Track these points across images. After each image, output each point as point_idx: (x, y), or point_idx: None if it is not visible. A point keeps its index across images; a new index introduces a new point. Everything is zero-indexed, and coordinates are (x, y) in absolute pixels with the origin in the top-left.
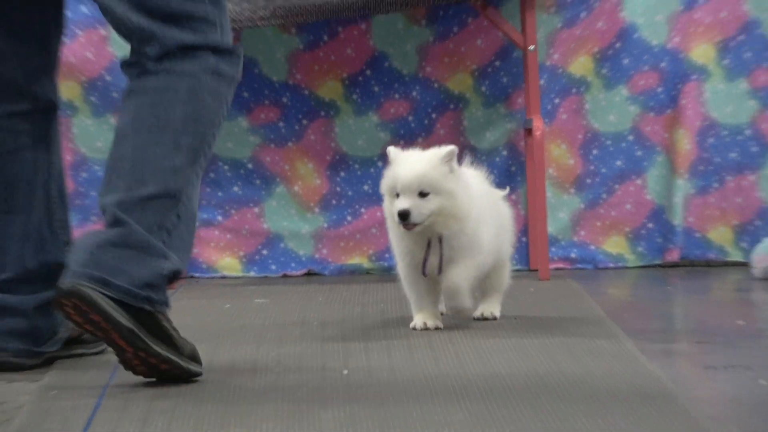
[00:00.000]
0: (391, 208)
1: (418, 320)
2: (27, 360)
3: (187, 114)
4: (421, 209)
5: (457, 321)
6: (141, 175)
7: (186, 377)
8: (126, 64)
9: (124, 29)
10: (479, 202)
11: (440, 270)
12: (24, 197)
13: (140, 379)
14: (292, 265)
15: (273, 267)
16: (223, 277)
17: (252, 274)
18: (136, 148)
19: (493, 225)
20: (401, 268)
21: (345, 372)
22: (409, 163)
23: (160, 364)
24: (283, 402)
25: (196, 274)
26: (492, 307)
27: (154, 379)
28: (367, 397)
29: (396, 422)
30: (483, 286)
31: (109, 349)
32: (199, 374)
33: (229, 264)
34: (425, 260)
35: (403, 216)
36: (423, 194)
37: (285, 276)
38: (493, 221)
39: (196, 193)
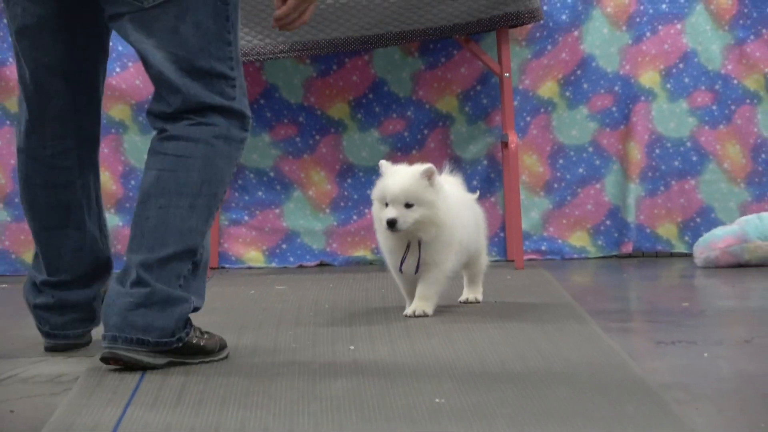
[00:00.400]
0: (380, 214)
1: (408, 309)
2: (84, 339)
3: (203, 179)
4: (406, 218)
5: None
6: (162, 237)
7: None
8: (151, 114)
9: (155, 77)
10: (456, 209)
11: (417, 269)
12: (77, 215)
13: None
14: (307, 257)
15: (291, 259)
16: (249, 268)
17: (273, 265)
18: (159, 209)
19: (468, 225)
20: (388, 264)
21: (351, 348)
22: (397, 177)
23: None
24: (299, 375)
25: (226, 266)
26: (475, 292)
27: None
28: (371, 370)
29: (396, 391)
30: (466, 274)
31: None
32: (227, 356)
33: (253, 256)
34: (403, 260)
35: (391, 224)
36: (408, 205)
37: (301, 266)
38: (469, 221)
39: (209, 239)
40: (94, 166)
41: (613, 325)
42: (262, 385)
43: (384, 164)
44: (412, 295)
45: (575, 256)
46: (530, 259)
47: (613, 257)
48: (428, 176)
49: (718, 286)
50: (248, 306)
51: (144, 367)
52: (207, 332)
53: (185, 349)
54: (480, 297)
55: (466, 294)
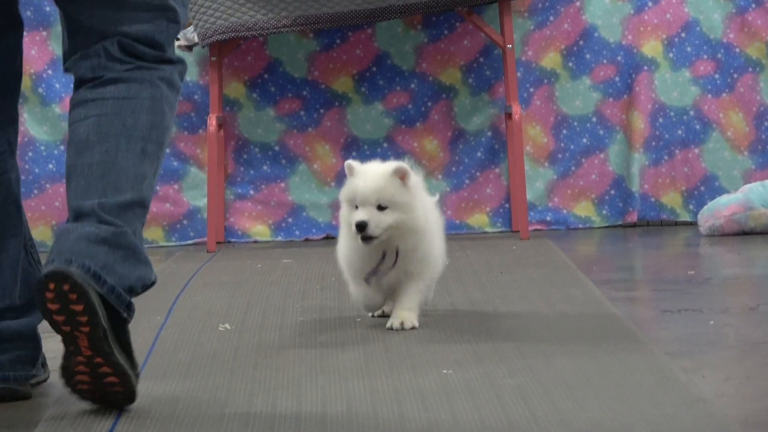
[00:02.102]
0: (349, 217)
1: (394, 320)
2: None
3: (152, 122)
4: (379, 222)
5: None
6: (116, 182)
7: (128, 396)
8: (81, 65)
9: (86, 26)
10: (432, 216)
11: (383, 283)
12: (16, 218)
13: (185, 332)
14: (313, 230)
15: (297, 232)
16: (255, 242)
17: (279, 238)
18: (105, 153)
19: (441, 234)
20: (348, 274)
21: (358, 320)
22: (367, 177)
23: (111, 375)
24: (307, 347)
25: (232, 240)
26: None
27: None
28: (377, 340)
29: (403, 362)
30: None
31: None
32: (135, 395)
33: (260, 230)
34: (374, 271)
35: (361, 227)
36: (381, 207)
37: (307, 240)
38: (440, 230)
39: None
40: (14, 160)
41: (619, 294)
42: (269, 358)
43: (351, 164)
44: (375, 309)
45: (580, 226)
46: (535, 230)
47: (618, 227)
48: (400, 176)
49: (723, 254)
50: (255, 280)
51: (87, 310)
52: None
53: (120, 331)
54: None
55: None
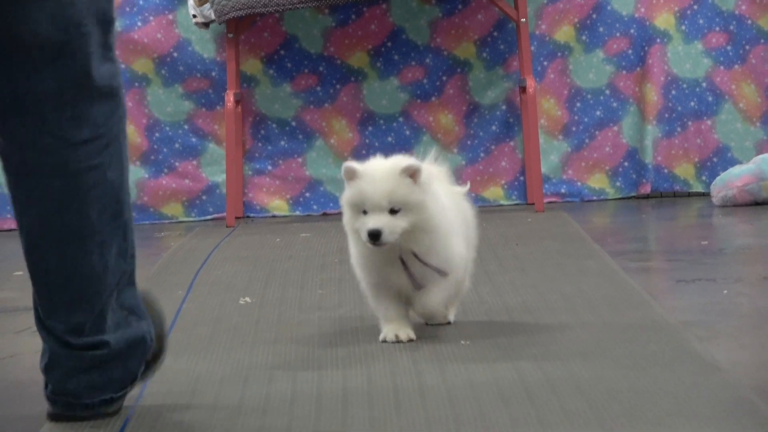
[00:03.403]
0: (355, 224)
1: (388, 332)
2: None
3: (98, 211)
4: (393, 228)
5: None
6: (82, 293)
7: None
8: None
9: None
10: (449, 213)
11: (418, 286)
12: None
13: (206, 306)
14: (331, 204)
15: (314, 207)
16: (274, 216)
17: (297, 213)
18: (60, 261)
19: (462, 229)
20: (367, 285)
21: None
22: (375, 179)
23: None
24: (326, 321)
25: (251, 215)
26: (448, 312)
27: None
28: None
29: (421, 334)
30: None
31: None
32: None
33: (278, 205)
34: (411, 277)
35: (375, 236)
36: (393, 211)
37: (324, 214)
38: (461, 225)
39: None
40: None
41: (633, 264)
42: (290, 331)
43: (351, 167)
44: (398, 318)
45: (594, 197)
46: (550, 202)
47: (632, 198)
48: (410, 174)
49: (736, 224)
50: (274, 254)
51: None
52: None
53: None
54: (452, 317)
55: None
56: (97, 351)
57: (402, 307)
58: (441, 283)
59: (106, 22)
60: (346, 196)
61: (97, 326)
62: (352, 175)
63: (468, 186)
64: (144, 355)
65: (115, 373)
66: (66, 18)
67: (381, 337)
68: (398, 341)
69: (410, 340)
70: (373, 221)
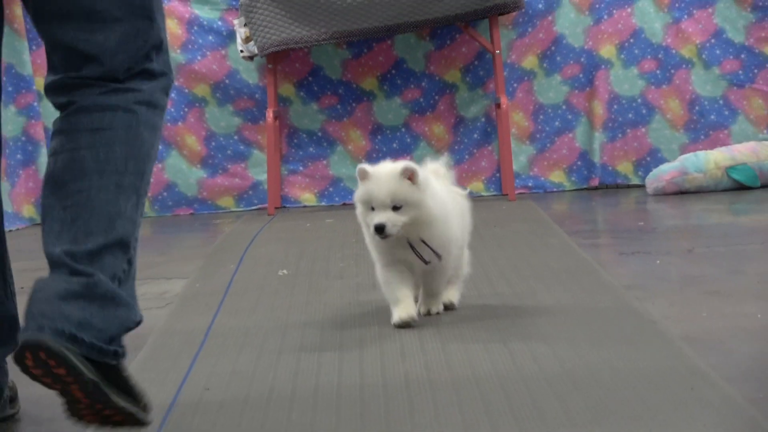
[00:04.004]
0: (366, 219)
1: (397, 314)
2: None
3: (127, 153)
4: (395, 222)
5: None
6: (87, 226)
7: (139, 425)
8: (52, 88)
9: (58, 43)
10: (446, 205)
11: (425, 260)
12: None
13: (252, 277)
14: (349, 197)
15: (336, 199)
16: (304, 207)
17: (323, 204)
18: (80, 194)
19: (458, 221)
20: (380, 269)
21: None
22: (380, 180)
23: (115, 415)
24: (347, 288)
25: (287, 205)
26: (452, 295)
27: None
28: None
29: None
30: None
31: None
32: (148, 423)
33: (307, 198)
34: (419, 255)
35: (380, 229)
36: (396, 207)
37: (344, 204)
38: (458, 217)
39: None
40: None
41: (585, 241)
42: (318, 296)
43: (364, 169)
44: (405, 299)
45: (554, 189)
46: (520, 193)
47: (584, 189)
48: (408, 175)
49: (665, 209)
50: (305, 236)
51: (70, 372)
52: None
53: (113, 375)
54: (456, 300)
55: (443, 297)
56: (83, 278)
57: (408, 291)
58: (439, 269)
59: (158, 44)
60: (358, 194)
61: (92, 263)
62: (364, 175)
63: (468, 190)
64: (124, 322)
65: (96, 317)
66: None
67: (393, 321)
68: (404, 324)
69: (414, 320)
70: (378, 217)
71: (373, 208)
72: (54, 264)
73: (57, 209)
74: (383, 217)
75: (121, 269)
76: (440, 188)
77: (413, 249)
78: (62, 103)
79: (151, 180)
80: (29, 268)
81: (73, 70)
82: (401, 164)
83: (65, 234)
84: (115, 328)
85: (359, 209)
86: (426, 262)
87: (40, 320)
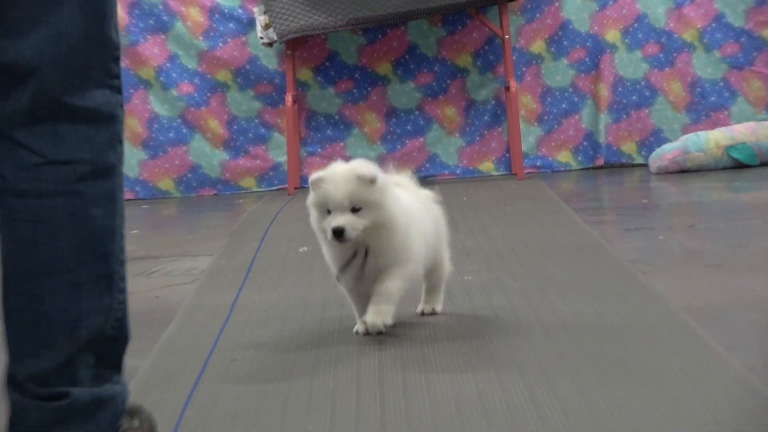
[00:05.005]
0: (322, 224)
1: (360, 325)
2: None
3: (77, 245)
4: (355, 224)
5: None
6: (48, 337)
7: None
8: None
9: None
10: (408, 212)
11: (360, 278)
12: None
13: (274, 254)
14: None
15: None
16: None
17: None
18: (30, 298)
19: (423, 229)
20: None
21: None
22: (337, 181)
23: None
24: None
25: (306, 185)
26: (433, 303)
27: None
28: None
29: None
30: (426, 283)
31: None
32: None
33: None
34: (344, 266)
35: (338, 233)
36: (355, 210)
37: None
38: (425, 225)
39: (125, 304)
40: None
41: (591, 218)
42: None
43: (316, 178)
44: (364, 309)
45: (562, 169)
46: (529, 173)
47: (590, 169)
48: (366, 177)
49: (668, 187)
50: None
51: None
52: (137, 411)
53: None
54: (439, 308)
55: (423, 305)
56: (56, 402)
57: (362, 303)
58: (400, 271)
59: (102, 42)
60: (312, 199)
61: (62, 377)
62: (318, 182)
63: (435, 191)
64: (113, 418)
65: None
66: (47, 28)
67: (354, 329)
68: (367, 333)
69: (379, 333)
70: (337, 220)
71: (329, 212)
72: (20, 390)
73: (9, 310)
74: (342, 220)
75: (103, 355)
76: (407, 197)
77: (350, 260)
78: None
79: (125, 248)
80: None
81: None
82: (357, 163)
83: (27, 349)
84: (105, 427)
85: (314, 215)
86: (360, 279)
87: None
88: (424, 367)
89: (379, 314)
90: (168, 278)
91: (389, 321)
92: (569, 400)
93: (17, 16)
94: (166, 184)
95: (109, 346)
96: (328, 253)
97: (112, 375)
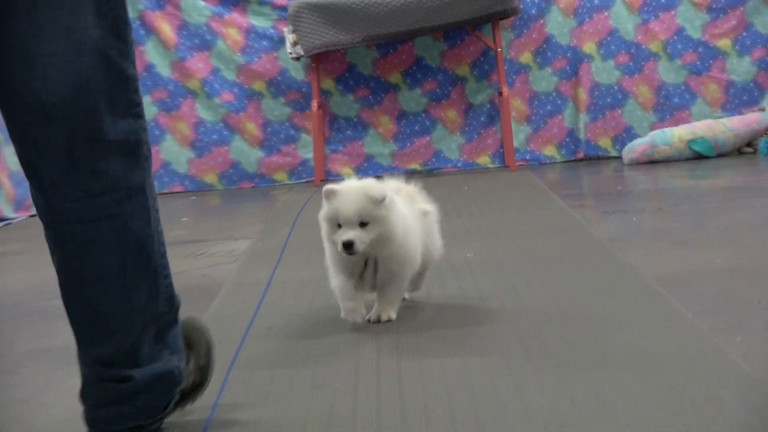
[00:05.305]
0: (332, 236)
1: (348, 317)
2: None
3: (123, 256)
4: (363, 238)
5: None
6: (107, 330)
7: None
8: (26, 167)
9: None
10: (407, 222)
11: (374, 285)
12: None
13: (303, 239)
14: (380, 170)
15: (370, 172)
16: (343, 179)
17: (359, 176)
18: (84, 299)
19: (420, 236)
20: (336, 282)
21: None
22: (348, 199)
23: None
24: None
25: (330, 178)
26: (417, 285)
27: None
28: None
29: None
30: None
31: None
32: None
33: (347, 172)
34: (362, 276)
35: (348, 246)
36: (363, 224)
37: (377, 176)
38: (419, 233)
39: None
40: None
41: (574, 202)
42: None
43: (331, 189)
44: (357, 307)
45: (548, 161)
46: (519, 165)
47: (571, 161)
48: (375, 195)
49: (639, 176)
50: None
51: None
52: (192, 345)
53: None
54: (416, 291)
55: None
56: (121, 384)
57: (359, 300)
58: (396, 287)
59: (122, 80)
60: (324, 213)
61: (127, 360)
62: (331, 194)
63: (433, 207)
64: (172, 388)
65: (143, 404)
66: (73, 75)
67: (368, 317)
68: (355, 322)
69: (357, 324)
70: (347, 234)
71: (339, 226)
72: (89, 368)
73: (71, 310)
74: (351, 234)
75: (156, 330)
76: (402, 205)
77: (368, 267)
78: (38, 194)
79: (164, 241)
80: None
81: (35, 128)
82: (367, 182)
83: (90, 339)
84: (167, 396)
85: (325, 228)
86: (373, 286)
87: (99, 425)
88: (439, 325)
89: (386, 313)
90: (213, 259)
91: (394, 316)
92: (557, 352)
93: (46, 63)
94: (210, 178)
95: (163, 323)
96: (335, 264)
97: (168, 351)
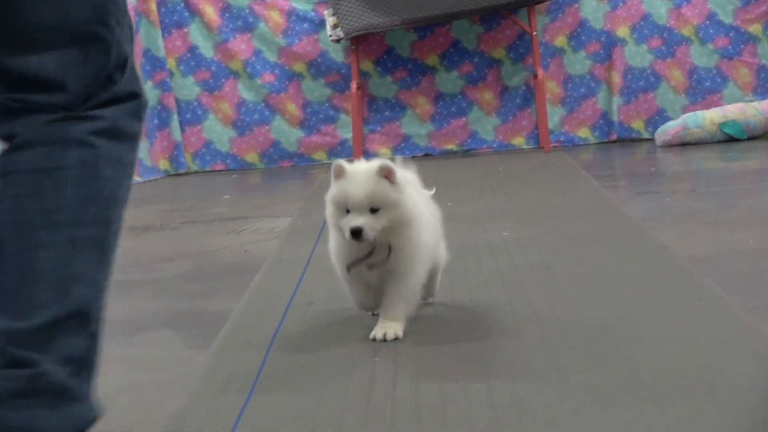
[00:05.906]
0: (340, 222)
1: (376, 331)
2: None
3: (84, 198)
4: (373, 225)
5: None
6: (32, 296)
7: None
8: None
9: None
10: (419, 207)
11: (384, 275)
12: None
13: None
14: (417, 150)
15: (407, 152)
16: (382, 158)
17: (396, 155)
18: (22, 255)
19: (432, 226)
20: (340, 270)
21: (449, 204)
22: (357, 181)
23: None
24: None
25: (368, 157)
26: (431, 291)
27: None
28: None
29: (468, 228)
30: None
31: None
32: None
33: (384, 151)
34: (359, 261)
35: (357, 233)
36: (373, 210)
37: (414, 156)
38: (430, 222)
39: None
40: None
41: (607, 183)
42: None
43: (340, 165)
44: (369, 301)
45: (582, 143)
46: (554, 146)
47: (605, 143)
48: (385, 174)
49: (671, 157)
50: None
51: None
52: None
53: None
54: (431, 299)
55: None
56: (25, 370)
57: (372, 293)
58: (402, 296)
59: (120, 63)
60: (332, 195)
61: (38, 341)
62: (340, 172)
63: (434, 190)
64: (75, 429)
65: (42, 419)
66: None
67: (371, 336)
68: (374, 315)
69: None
70: (356, 221)
71: (348, 210)
72: None
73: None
74: (361, 220)
75: (80, 347)
76: (415, 195)
77: (370, 254)
78: (3, 136)
79: (120, 229)
80: (165, 210)
81: (16, 90)
82: (377, 163)
83: (8, 306)
84: (68, 428)
85: (331, 211)
86: (370, 268)
87: None
88: (477, 301)
89: (392, 330)
90: (255, 235)
91: (400, 334)
92: (592, 330)
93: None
94: (252, 157)
95: (90, 338)
96: (339, 248)
97: (83, 378)
